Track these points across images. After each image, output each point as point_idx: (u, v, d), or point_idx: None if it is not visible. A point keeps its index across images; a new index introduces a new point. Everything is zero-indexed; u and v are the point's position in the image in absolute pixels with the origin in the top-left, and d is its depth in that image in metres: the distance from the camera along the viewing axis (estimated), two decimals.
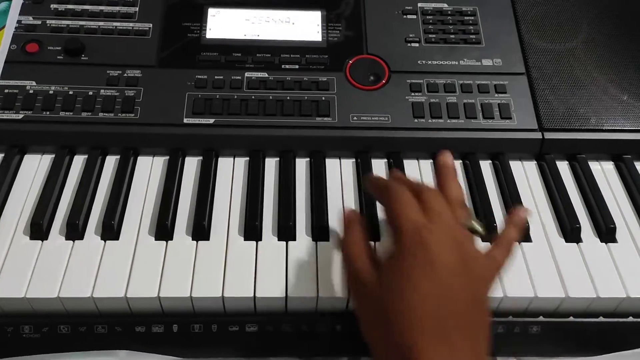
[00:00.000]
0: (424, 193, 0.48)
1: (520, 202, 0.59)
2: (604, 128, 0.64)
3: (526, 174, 0.63)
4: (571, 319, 0.54)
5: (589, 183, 0.62)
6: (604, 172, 0.64)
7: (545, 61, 0.67)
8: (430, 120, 0.63)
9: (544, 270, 0.55)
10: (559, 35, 0.69)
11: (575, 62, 0.67)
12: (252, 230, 0.56)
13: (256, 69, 0.65)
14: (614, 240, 0.58)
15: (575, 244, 0.57)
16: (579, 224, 0.57)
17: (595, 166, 0.64)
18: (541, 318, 0.54)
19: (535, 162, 0.64)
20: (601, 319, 0.55)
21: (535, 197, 0.61)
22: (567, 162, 0.64)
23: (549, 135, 0.63)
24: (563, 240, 0.57)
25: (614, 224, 0.58)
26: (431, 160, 0.63)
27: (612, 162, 0.65)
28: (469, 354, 0.42)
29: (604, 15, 0.71)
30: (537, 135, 0.63)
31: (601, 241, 0.58)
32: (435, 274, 0.43)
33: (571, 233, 0.57)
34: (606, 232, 0.58)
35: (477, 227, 0.50)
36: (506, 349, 0.55)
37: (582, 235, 0.58)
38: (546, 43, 0.68)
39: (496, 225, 0.57)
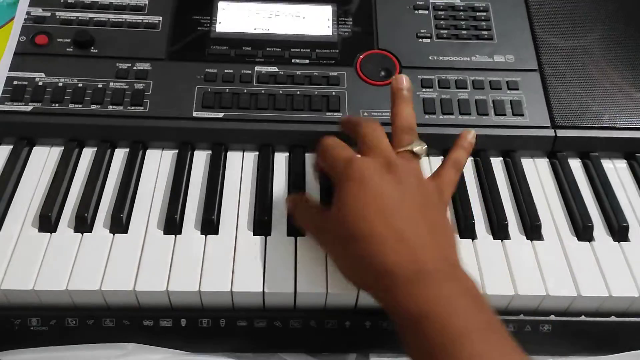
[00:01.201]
0: (361, 128, 0.51)
1: (532, 200, 0.58)
2: (616, 126, 0.63)
3: (538, 172, 0.62)
4: (583, 318, 0.54)
5: (602, 181, 0.61)
6: (617, 171, 0.63)
7: (558, 58, 0.66)
8: (441, 117, 0.62)
9: (556, 268, 0.54)
10: (572, 31, 0.68)
11: (589, 59, 0.67)
12: (261, 225, 0.55)
13: (266, 63, 0.64)
14: (626, 239, 0.57)
15: (587, 242, 0.57)
16: (591, 222, 0.57)
17: (607, 164, 0.63)
18: (552, 317, 0.54)
19: (547, 159, 0.64)
20: (613, 318, 0.54)
21: (547, 195, 0.60)
22: (579, 160, 0.64)
23: (561, 133, 0.62)
24: (575, 238, 0.57)
25: (626, 222, 0.57)
26: (442, 157, 0.63)
27: (625, 161, 0.64)
28: (432, 252, 0.45)
29: (618, 11, 0.70)
30: (550, 132, 0.62)
31: (614, 240, 0.57)
32: (373, 192, 0.46)
33: (583, 231, 0.57)
34: (619, 230, 0.57)
35: (416, 148, 0.50)
36: None
37: (595, 234, 0.57)
38: (559, 39, 0.68)
39: (507, 223, 0.56)
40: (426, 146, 0.51)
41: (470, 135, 0.56)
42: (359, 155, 0.49)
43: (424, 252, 0.45)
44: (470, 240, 0.56)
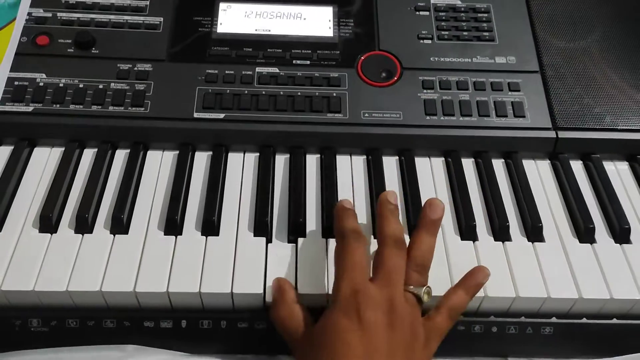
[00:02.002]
0: (387, 248, 0.49)
1: (533, 201, 0.58)
2: (618, 128, 0.63)
3: (539, 173, 0.62)
4: (584, 320, 0.54)
5: (603, 183, 0.61)
6: (618, 172, 0.63)
7: (559, 59, 0.66)
8: (442, 118, 0.62)
9: (557, 270, 0.54)
10: (573, 33, 0.68)
11: (590, 61, 0.67)
12: (262, 226, 0.55)
13: (267, 64, 0.64)
14: (628, 241, 0.57)
15: (589, 244, 0.56)
16: (593, 224, 0.57)
17: (609, 166, 0.63)
18: (554, 319, 0.54)
19: (549, 161, 0.64)
20: (615, 320, 0.54)
21: (548, 196, 0.60)
22: (581, 162, 0.64)
23: (562, 134, 0.62)
24: (577, 240, 0.57)
25: (628, 224, 0.57)
26: (443, 158, 0.63)
27: (627, 162, 0.64)
28: None
29: (618, 13, 0.70)
30: (551, 134, 0.62)
31: (615, 242, 0.57)
32: (363, 328, 0.45)
33: (585, 233, 0.57)
34: (620, 232, 0.57)
35: (424, 296, 0.49)
36: (518, 350, 0.54)
37: (596, 236, 0.57)
38: (560, 41, 0.68)
39: (508, 225, 0.56)
40: (432, 294, 0.50)
41: (482, 276, 0.51)
42: (366, 284, 0.47)
43: None
44: (472, 242, 0.56)
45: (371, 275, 0.49)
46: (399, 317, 0.46)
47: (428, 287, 0.50)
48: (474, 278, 0.51)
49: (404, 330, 0.46)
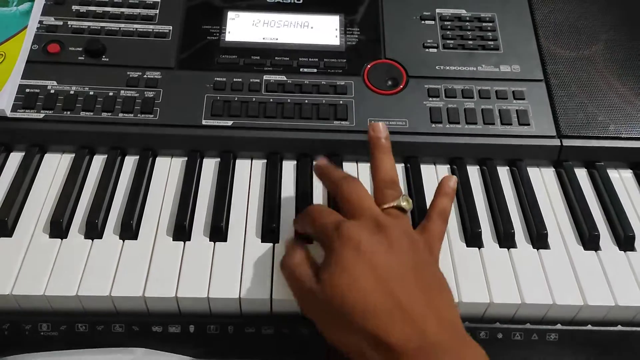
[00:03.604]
0: (341, 188, 0.50)
1: (538, 209, 0.59)
2: (622, 136, 0.64)
3: (544, 181, 0.63)
4: (589, 327, 0.54)
5: (608, 191, 0.61)
6: (623, 180, 0.63)
7: (563, 68, 0.67)
8: (447, 126, 0.63)
9: (562, 277, 0.54)
10: (577, 42, 0.69)
11: (594, 69, 0.67)
12: (269, 233, 0.56)
13: (275, 72, 0.65)
14: (632, 249, 0.57)
15: (593, 251, 0.57)
16: (597, 231, 0.57)
17: (613, 174, 0.63)
18: (559, 326, 0.54)
19: (553, 169, 0.64)
20: (619, 327, 0.54)
21: (553, 204, 0.61)
22: (585, 170, 0.64)
23: (567, 142, 0.63)
24: (581, 247, 0.57)
25: (632, 232, 0.58)
26: (448, 166, 0.64)
27: (631, 170, 0.64)
28: (431, 320, 0.43)
29: (622, 22, 0.71)
30: (556, 142, 0.63)
31: (620, 249, 0.57)
32: (366, 259, 0.44)
33: (590, 241, 0.57)
34: (625, 240, 0.57)
35: (402, 203, 0.49)
36: (523, 356, 0.55)
37: (601, 243, 0.57)
38: (565, 50, 0.68)
39: (514, 232, 0.57)
40: (411, 200, 0.50)
41: (452, 181, 0.54)
42: (346, 218, 0.48)
43: (425, 323, 0.42)
44: (477, 248, 0.56)
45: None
46: (391, 233, 0.46)
47: (404, 195, 0.50)
48: (447, 183, 0.54)
49: (403, 244, 0.46)
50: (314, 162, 0.55)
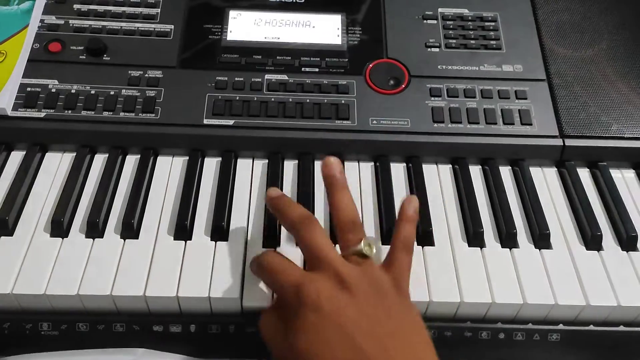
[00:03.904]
0: (300, 234, 0.48)
1: (541, 209, 0.59)
2: (625, 136, 0.63)
3: (546, 181, 0.62)
4: (591, 327, 0.54)
5: (610, 191, 0.61)
6: (625, 180, 0.63)
7: (566, 68, 0.67)
8: (450, 125, 0.63)
9: (565, 277, 0.54)
10: (580, 42, 0.69)
11: (596, 69, 0.67)
12: (270, 233, 0.56)
13: (276, 71, 0.65)
14: (635, 249, 0.57)
15: (596, 251, 0.57)
16: (600, 231, 0.57)
17: (616, 174, 0.63)
18: (561, 326, 0.54)
19: (556, 168, 0.64)
20: (622, 327, 0.54)
21: (555, 204, 0.60)
22: (587, 170, 0.64)
23: (569, 142, 0.63)
24: (584, 247, 0.57)
25: (635, 232, 0.57)
26: (450, 165, 0.63)
27: (633, 170, 0.64)
28: None
29: (624, 22, 0.71)
30: (558, 142, 0.63)
31: (622, 249, 0.57)
32: (330, 320, 0.43)
33: (592, 241, 0.57)
34: (627, 240, 0.57)
35: (365, 249, 0.47)
36: (525, 357, 0.54)
37: (603, 243, 0.57)
38: (567, 50, 0.68)
39: (516, 232, 0.57)
40: (374, 246, 0.48)
41: (413, 205, 0.51)
42: (307, 274, 0.46)
43: None
44: (479, 248, 0.56)
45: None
46: (353, 285, 0.44)
47: (366, 239, 0.48)
48: (408, 207, 0.51)
49: (367, 292, 0.44)
50: (266, 192, 0.53)
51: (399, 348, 0.42)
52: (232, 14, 0.69)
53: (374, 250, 0.48)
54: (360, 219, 0.49)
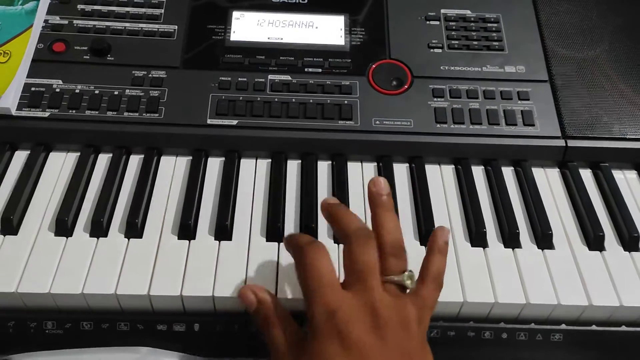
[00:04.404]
0: (354, 245, 0.45)
1: (543, 209, 0.59)
2: (627, 137, 0.64)
3: (549, 182, 0.63)
4: (594, 327, 0.54)
5: (612, 191, 0.61)
6: (627, 181, 0.63)
7: (568, 69, 0.67)
8: (452, 126, 0.63)
9: (567, 278, 0.54)
10: (582, 43, 0.69)
11: (599, 70, 0.67)
12: (274, 232, 0.56)
13: (279, 71, 0.65)
14: (637, 249, 0.57)
15: (598, 252, 0.57)
16: (602, 232, 0.57)
17: (618, 175, 0.63)
18: (563, 326, 0.54)
19: (558, 169, 0.64)
20: (624, 327, 0.54)
21: (558, 204, 0.61)
22: (590, 171, 0.64)
23: (572, 143, 0.63)
24: (586, 248, 0.57)
25: (637, 232, 0.58)
26: (453, 166, 0.64)
27: (635, 171, 0.65)
28: None
29: (626, 23, 0.71)
30: (561, 142, 0.63)
31: (624, 250, 0.57)
32: (353, 355, 0.41)
33: (594, 241, 0.57)
34: (629, 240, 0.57)
35: (406, 282, 0.46)
36: (528, 357, 0.55)
37: (605, 244, 0.57)
38: (569, 51, 0.68)
39: (519, 232, 0.57)
40: (416, 279, 0.47)
41: (444, 235, 0.49)
42: (343, 296, 0.44)
43: None
44: (482, 248, 0.56)
45: (341, 279, 0.46)
46: (384, 320, 0.43)
47: (409, 271, 0.46)
48: (440, 238, 0.48)
49: (394, 330, 0.43)
50: (323, 200, 0.51)
51: None
52: (236, 14, 0.69)
53: (414, 285, 0.46)
54: (405, 246, 0.48)
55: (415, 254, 0.55)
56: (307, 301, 0.45)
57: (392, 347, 0.43)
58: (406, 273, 0.46)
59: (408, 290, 0.46)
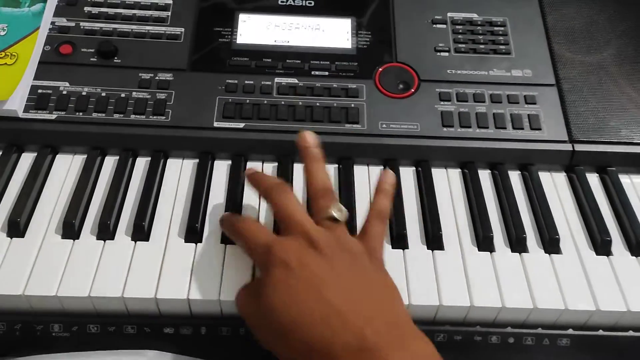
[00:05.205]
0: (272, 198, 0.51)
1: (550, 214, 0.59)
2: (634, 141, 0.63)
3: (555, 186, 0.63)
4: (601, 332, 0.54)
5: (619, 196, 0.61)
6: (634, 186, 0.63)
7: (575, 73, 0.67)
8: (459, 130, 0.63)
9: (574, 282, 0.54)
10: (589, 47, 0.69)
11: (606, 74, 0.67)
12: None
13: (286, 74, 0.65)
14: None
15: (605, 257, 0.57)
16: (609, 236, 0.57)
17: (625, 179, 0.63)
18: (570, 331, 0.54)
19: (565, 173, 0.64)
20: (631, 332, 0.54)
21: (565, 209, 0.61)
22: (596, 175, 0.64)
23: (579, 147, 0.63)
24: (593, 253, 0.57)
25: None
26: (459, 170, 0.63)
27: None
28: (371, 324, 0.42)
29: (634, 27, 0.71)
30: (568, 147, 0.63)
31: (632, 255, 0.57)
32: (298, 274, 0.45)
33: (602, 246, 0.57)
34: (637, 245, 0.57)
35: (336, 214, 0.49)
36: None
37: (613, 249, 0.57)
38: (576, 55, 0.68)
39: (525, 236, 0.57)
40: (346, 210, 0.50)
41: (390, 178, 0.54)
42: (277, 237, 0.49)
43: (364, 327, 0.42)
44: (489, 253, 0.56)
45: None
46: (323, 245, 0.46)
47: (336, 204, 0.50)
48: (384, 181, 0.54)
49: (337, 255, 0.46)
50: (246, 169, 0.56)
51: (365, 304, 0.44)
52: (242, 17, 0.69)
53: (345, 215, 0.50)
54: (333, 187, 0.52)
55: (422, 257, 0.55)
56: (249, 254, 0.50)
57: (338, 266, 0.46)
58: (334, 205, 0.50)
59: (342, 225, 0.50)
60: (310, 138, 0.54)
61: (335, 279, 0.45)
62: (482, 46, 0.68)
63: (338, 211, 0.50)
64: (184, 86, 0.64)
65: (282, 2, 0.71)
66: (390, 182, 0.54)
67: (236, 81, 0.64)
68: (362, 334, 0.42)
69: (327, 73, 0.66)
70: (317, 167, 0.53)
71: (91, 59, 0.65)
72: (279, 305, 0.44)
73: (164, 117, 0.62)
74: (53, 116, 0.61)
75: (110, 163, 0.61)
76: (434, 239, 0.56)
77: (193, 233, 0.55)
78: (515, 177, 0.63)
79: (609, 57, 0.68)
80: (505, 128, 0.63)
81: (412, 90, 0.65)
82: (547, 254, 0.56)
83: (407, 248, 0.56)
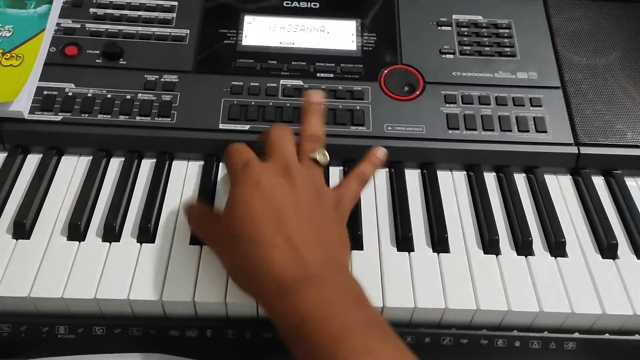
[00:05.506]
0: (270, 130, 0.53)
1: (556, 216, 0.59)
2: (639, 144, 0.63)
3: (561, 189, 0.62)
4: (607, 336, 0.54)
5: (625, 199, 0.61)
6: None
7: (581, 75, 0.67)
8: (464, 132, 0.63)
9: (580, 286, 0.54)
10: (594, 49, 0.69)
11: (611, 77, 0.67)
12: None
13: (291, 76, 0.65)
14: None
15: (611, 260, 0.57)
16: (615, 239, 0.57)
17: (630, 182, 0.63)
18: (577, 334, 0.54)
19: (570, 176, 0.64)
20: (637, 336, 0.54)
21: (570, 211, 0.60)
22: (602, 178, 0.64)
23: (584, 150, 0.63)
24: (599, 256, 0.57)
25: None
26: (465, 172, 0.63)
27: None
28: (315, 255, 0.45)
29: (639, 30, 0.71)
30: (573, 149, 0.63)
31: (637, 258, 0.57)
32: (264, 194, 0.47)
33: (608, 249, 0.57)
34: None
35: (318, 156, 0.52)
36: None
37: (619, 252, 0.57)
38: (582, 57, 0.68)
39: (531, 239, 0.57)
40: (328, 156, 0.53)
41: (380, 152, 0.57)
42: (258, 158, 0.51)
43: (308, 257, 0.45)
44: (494, 256, 0.56)
45: None
46: (296, 177, 0.49)
47: (322, 150, 0.53)
48: (375, 152, 0.57)
49: (306, 190, 0.49)
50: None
51: (315, 238, 0.46)
52: (247, 19, 0.69)
53: (327, 160, 0.53)
54: (325, 139, 0.55)
55: (428, 260, 0.55)
56: (229, 165, 0.52)
57: (303, 200, 0.48)
58: (319, 150, 0.53)
59: (321, 169, 0.52)
60: (316, 96, 0.56)
61: (296, 208, 0.47)
62: (487, 48, 0.68)
63: (322, 155, 0.52)
64: (190, 88, 0.64)
65: (287, 3, 0.70)
66: (380, 155, 0.57)
67: (241, 83, 0.64)
68: (301, 264, 0.44)
69: (332, 75, 0.66)
70: (314, 118, 0.55)
71: (97, 61, 0.65)
72: (235, 218, 0.47)
73: (169, 119, 0.62)
74: (58, 117, 0.61)
75: (115, 165, 0.61)
76: (439, 242, 0.56)
77: None
78: (520, 180, 0.63)
79: (614, 59, 0.68)
80: (510, 130, 0.63)
81: (418, 92, 0.65)
82: (553, 257, 0.56)
83: (413, 251, 0.56)
